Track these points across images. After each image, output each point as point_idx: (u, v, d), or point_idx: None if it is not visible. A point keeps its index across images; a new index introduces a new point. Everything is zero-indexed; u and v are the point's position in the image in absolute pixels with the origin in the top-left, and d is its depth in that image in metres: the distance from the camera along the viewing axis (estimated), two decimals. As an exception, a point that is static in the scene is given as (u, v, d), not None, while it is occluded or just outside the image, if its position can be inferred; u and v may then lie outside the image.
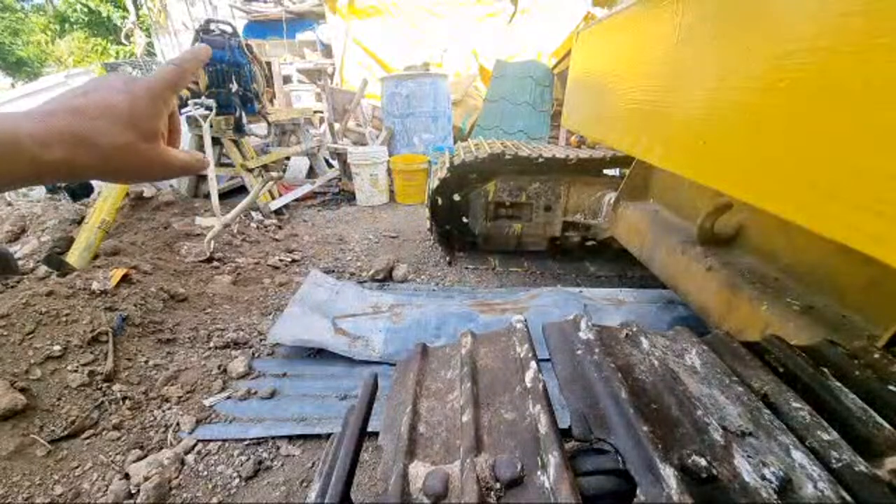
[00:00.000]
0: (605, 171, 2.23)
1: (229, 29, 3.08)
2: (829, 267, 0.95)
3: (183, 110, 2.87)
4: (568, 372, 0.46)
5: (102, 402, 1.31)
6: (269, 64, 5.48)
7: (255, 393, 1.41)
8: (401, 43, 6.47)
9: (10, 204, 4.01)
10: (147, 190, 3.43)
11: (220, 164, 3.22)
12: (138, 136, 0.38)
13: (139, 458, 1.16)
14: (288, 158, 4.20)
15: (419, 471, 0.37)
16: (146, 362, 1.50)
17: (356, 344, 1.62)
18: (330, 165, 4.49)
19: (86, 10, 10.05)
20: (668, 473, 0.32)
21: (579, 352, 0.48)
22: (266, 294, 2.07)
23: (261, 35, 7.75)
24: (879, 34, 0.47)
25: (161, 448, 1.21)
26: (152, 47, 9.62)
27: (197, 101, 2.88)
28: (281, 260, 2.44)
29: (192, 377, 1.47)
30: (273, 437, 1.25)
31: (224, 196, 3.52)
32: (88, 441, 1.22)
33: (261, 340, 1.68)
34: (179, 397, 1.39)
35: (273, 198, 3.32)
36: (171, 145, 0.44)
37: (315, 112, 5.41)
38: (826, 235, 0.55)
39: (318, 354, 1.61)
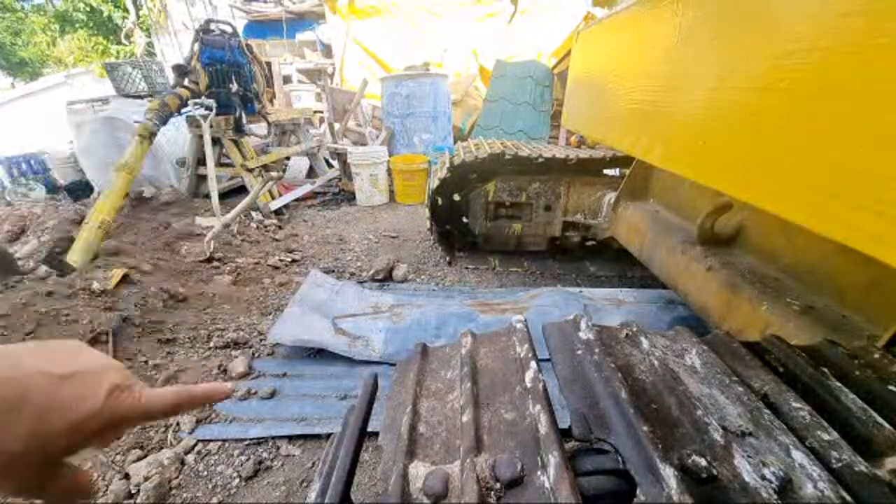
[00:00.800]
0: (605, 171, 2.23)
1: (229, 29, 3.08)
2: (829, 267, 0.95)
3: (183, 110, 2.87)
4: (568, 372, 0.46)
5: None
6: (269, 64, 5.49)
7: (255, 393, 1.41)
8: (401, 43, 6.46)
9: (10, 204, 4.02)
10: (147, 190, 3.43)
11: (220, 164, 3.22)
12: (32, 457, 0.28)
13: (139, 458, 1.16)
14: (288, 158, 4.20)
15: (419, 471, 0.37)
16: (146, 362, 1.50)
17: (356, 344, 1.62)
18: (330, 165, 4.49)
19: (87, 9, 10.05)
20: (668, 473, 0.32)
21: (579, 352, 0.48)
22: (266, 294, 2.07)
23: (261, 35, 7.75)
24: (879, 34, 0.47)
25: (161, 448, 1.21)
26: (152, 47, 9.62)
27: (197, 101, 2.88)
28: (281, 260, 2.44)
29: (192, 377, 1.47)
30: (273, 437, 1.25)
31: (224, 196, 3.52)
32: (88, 441, 1.21)
33: (261, 340, 1.68)
34: (179, 397, 1.39)
35: (273, 198, 3.32)
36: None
37: (315, 112, 5.41)
38: (826, 235, 0.55)
39: (318, 354, 1.61)
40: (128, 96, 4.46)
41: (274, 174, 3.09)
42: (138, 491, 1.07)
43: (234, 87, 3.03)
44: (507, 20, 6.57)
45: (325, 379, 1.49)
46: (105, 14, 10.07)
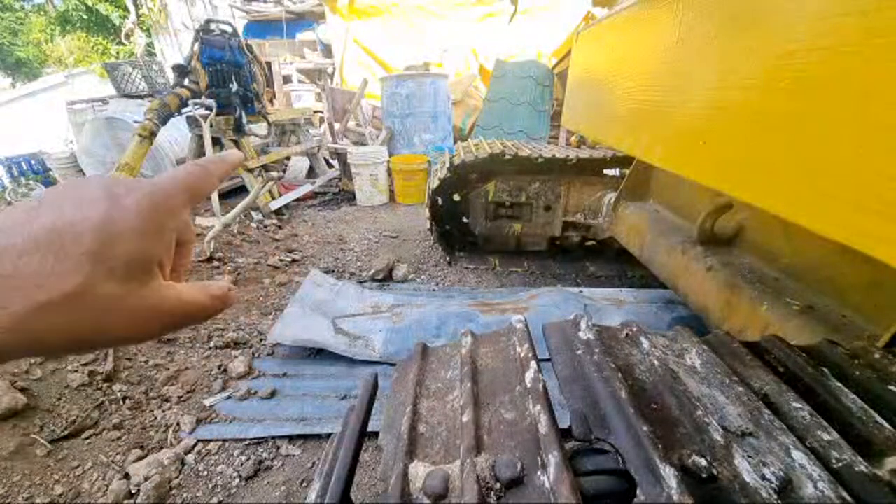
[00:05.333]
0: (606, 171, 2.23)
1: (229, 29, 3.08)
2: (829, 267, 0.95)
3: (183, 110, 2.87)
4: (568, 372, 0.46)
5: (102, 402, 1.31)
6: (269, 64, 5.49)
7: (255, 393, 1.41)
8: (401, 43, 6.46)
9: (10, 204, 4.01)
10: (147, 190, 3.43)
11: (220, 164, 3.21)
12: (106, 273, 0.22)
13: (139, 458, 1.17)
14: (288, 158, 4.20)
15: (419, 471, 0.37)
16: (146, 362, 1.50)
17: (356, 344, 1.62)
18: (330, 165, 4.49)
19: (84, 9, 10.05)
20: (668, 473, 0.32)
21: (579, 352, 0.48)
22: (266, 294, 2.07)
23: (261, 35, 7.74)
24: (879, 34, 0.47)
25: (161, 448, 1.21)
26: (152, 47, 9.63)
27: (197, 100, 2.88)
28: (281, 260, 2.44)
29: (192, 377, 1.47)
30: (273, 437, 1.25)
31: (224, 196, 3.52)
32: (88, 441, 1.22)
33: (261, 340, 1.68)
34: (179, 397, 1.39)
35: (273, 197, 3.32)
36: (175, 280, 0.28)
37: (315, 112, 5.41)
38: (826, 235, 0.55)
39: (318, 354, 1.61)
40: (128, 96, 4.47)
41: (274, 174, 3.09)
42: (138, 491, 1.07)
43: (234, 86, 3.03)
44: (507, 20, 6.57)
45: (325, 379, 1.49)
46: (104, 14, 10.07)
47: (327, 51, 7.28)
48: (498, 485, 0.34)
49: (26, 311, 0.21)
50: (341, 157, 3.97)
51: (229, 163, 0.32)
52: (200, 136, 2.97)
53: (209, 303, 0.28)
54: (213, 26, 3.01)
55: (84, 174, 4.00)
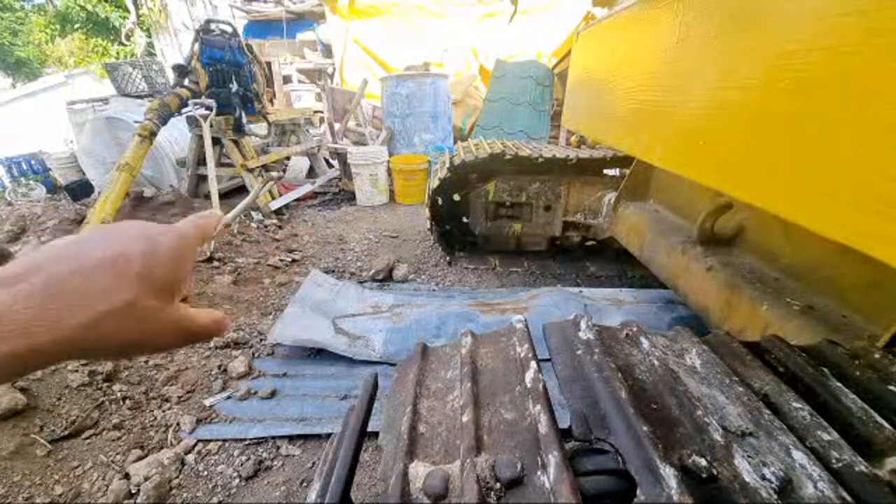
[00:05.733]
0: (606, 171, 2.23)
1: (229, 29, 3.08)
2: (829, 267, 0.95)
3: (183, 110, 2.87)
4: (568, 372, 0.46)
5: (103, 402, 1.31)
6: (269, 64, 5.49)
7: (256, 393, 1.41)
8: (401, 43, 6.46)
9: (10, 204, 4.02)
10: (147, 190, 3.44)
11: (220, 164, 3.22)
12: (148, 291, 0.29)
13: (139, 458, 1.17)
14: (288, 158, 4.20)
15: (419, 471, 0.37)
16: (146, 362, 1.50)
17: (356, 344, 1.62)
18: (330, 165, 4.49)
19: (83, 11, 10.05)
20: (669, 473, 0.32)
21: (579, 352, 0.48)
22: (266, 294, 2.07)
23: (261, 35, 7.74)
24: (879, 34, 0.47)
25: (161, 448, 1.21)
26: (152, 47, 9.62)
27: (197, 100, 2.88)
28: (281, 260, 2.44)
29: (192, 377, 1.47)
30: (273, 437, 1.25)
31: (224, 196, 3.52)
32: (89, 441, 1.22)
33: (261, 340, 1.68)
34: (179, 397, 1.39)
35: (273, 198, 3.32)
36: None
37: (315, 112, 5.41)
38: (826, 235, 0.55)
39: (319, 354, 1.61)
40: (128, 96, 4.47)
41: (274, 174, 3.09)
42: (138, 491, 1.07)
43: (235, 87, 3.03)
44: (507, 20, 6.57)
45: (325, 379, 1.49)
46: (102, 16, 10.07)
47: (327, 51, 7.28)
48: (498, 485, 0.34)
49: (88, 320, 0.26)
50: (341, 157, 3.97)
51: (219, 218, 0.41)
52: (200, 136, 2.97)
53: (212, 326, 0.35)
54: (213, 26, 3.02)
55: (84, 174, 4.00)
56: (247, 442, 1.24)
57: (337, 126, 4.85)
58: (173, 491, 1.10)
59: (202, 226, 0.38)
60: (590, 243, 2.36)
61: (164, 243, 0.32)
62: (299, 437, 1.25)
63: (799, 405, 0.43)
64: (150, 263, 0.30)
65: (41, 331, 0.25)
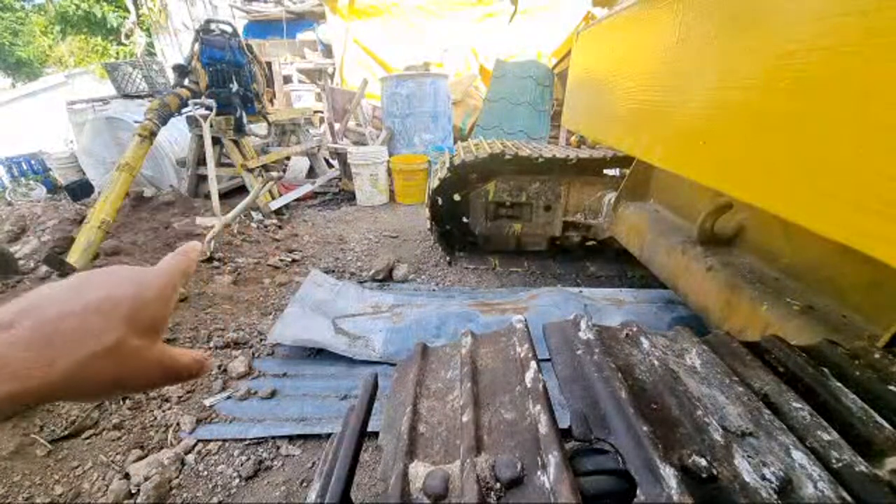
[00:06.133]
0: (606, 171, 2.23)
1: (229, 29, 3.08)
2: (829, 267, 0.94)
3: (183, 110, 2.87)
4: (568, 372, 0.46)
5: (102, 402, 1.31)
6: (269, 64, 5.49)
7: (256, 393, 1.41)
8: (401, 43, 6.46)
9: (10, 204, 4.02)
10: (147, 190, 3.44)
11: (220, 164, 3.22)
12: (134, 331, 0.31)
13: (139, 458, 1.17)
14: (288, 158, 4.20)
15: (419, 471, 0.37)
16: (146, 362, 1.50)
17: (356, 344, 1.62)
18: (330, 165, 4.49)
19: (81, 13, 10.04)
20: (669, 473, 0.32)
21: (579, 352, 0.48)
22: (266, 294, 2.07)
23: (261, 35, 7.74)
24: (879, 34, 0.47)
25: (161, 448, 1.21)
26: (152, 47, 9.62)
27: (197, 100, 2.88)
28: (281, 260, 2.44)
29: (192, 377, 1.47)
30: (273, 437, 1.25)
31: (224, 196, 3.52)
32: (89, 441, 1.22)
33: (261, 340, 1.68)
34: (179, 397, 1.39)
35: (273, 197, 3.32)
36: None
37: (315, 112, 5.41)
38: (826, 235, 0.55)
39: (319, 354, 1.61)
40: (128, 96, 4.47)
41: (274, 174, 3.09)
42: (138, 491, 1.07)
43: (235, 87, 3.03)
44: (507, 20, 6.57)
45: (325, 379, 1.49)
46: (100, 16, 10.06)
47: (327, 51, 7.28)
48: (498, 485, 0.34)
49: (79, 361, 0.27)
50: (341, 157, 3.97)
51: (197, 252, 0.42)
52: (200, 136, 2.97)
53: (193, 365, 0.36)
54: (213, 26, 3.02)
55: (84, 174, 4.00)
56: (247, 442, 1.24)
57: (337, 126, 4.85)
58: (173, 491, 1.10)
59: (183, 263, 0.38)
60: (590, 243, 2.36)
61: (150, 285, 0.33)
62: (299, 437, 1.25)
63: (799, 405, 0.43)
64: (138, 305, 0.31)
65: (35, 374, 0.26)
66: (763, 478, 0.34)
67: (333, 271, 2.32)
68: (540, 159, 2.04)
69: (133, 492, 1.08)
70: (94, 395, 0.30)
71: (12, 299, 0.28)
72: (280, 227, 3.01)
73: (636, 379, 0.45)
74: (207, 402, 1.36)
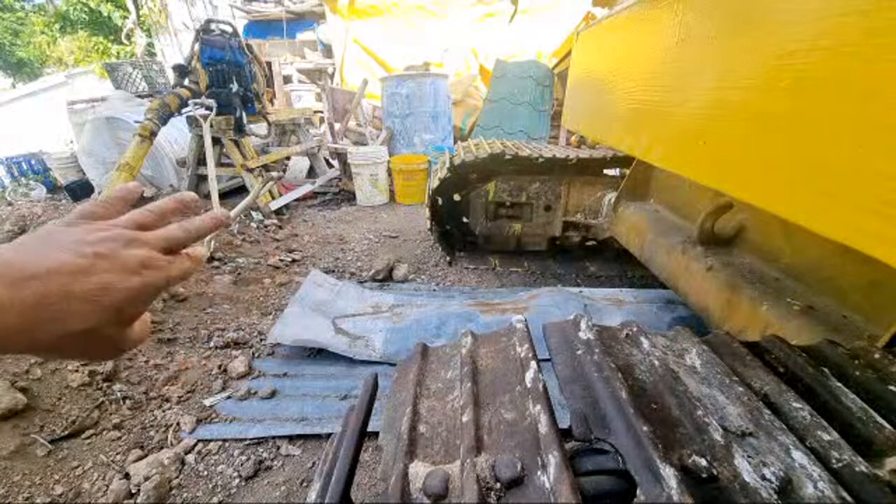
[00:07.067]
0: (606, 171, 2.23)
1: (230, 29, 3.08)
2: (830, 267, 0.94)
3: (183, 110, 2.87)
4: (568, 372, 0.46)
5: (103, 402, 1.31)
6: (269, 64, 5.49)
7: (256, 393, 1.41)
8: (401, 43, 6.46)
9: (10, 204, 4.01)
10: (147, 190, 3.43)
11: (220, 164, 3.22)
12: (115, 322, 0.33)
13: (139, 458, 1.17)
14: (288, 158, 4.20)
15: (419, 471, 0.37)
16: (146, 362, 1.50)
17: (356, 344, 1.62)
18: (330, 165, 4.49)
19: (86, 9, 10.04)
20: (669, 473, 0.32)
21: (579, 352, 0.48)
22: (266, 294, 2.07)
23: (261, 35, 7.74)
24: (879, 34, 0.47)
25: (161, 448, 1.21)
26: (153, 47, 9.62)
27: (197, 100, 2.88)
28: (281, 260, 2.44)
29: (192, 377, 1.47)
30: (273, 437, 1.25)
31: (224, 196, 3.52)
32: (89, 441, 1.22)
33: (261, 340, 1.68)
34: (180, 397, 1.39)
35: (273, 197, 3.32)
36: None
37: (315, 112, 5.41)
38: (826, 235, 0.55)
39: (319, 354, 1.61)
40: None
41: (274, 174, 3.09)
42: (138, 491, 1.07)
43: (235, 87, 3.03)
44: (507, 20, 6.57)
45: (325, 379, 1.49)
46: (105, 14, 10.06)
47: (327, 51, 7.28)
48: (498, 485, 0.34)
49: (57, 337, 0.30)
50: (341, 157, 3.97)
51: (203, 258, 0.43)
52: (200, 136, 2.97)
53: (143, 336, 0.38)
54: (213, 26, 3.01)
55: (84, 174, 4.00)
56: (247, 442, 1.24)
57: (337, 126, 4.85)
58: (173, 491, 1.10)
59: (187, 266, 0.38)
60: (590, 243, 2.36)
61: (151, 283, 0.34)
62: (299, 437, 1.25)
63: (799, 405, 0.43)
64: (132, 299, 0.33)
65: (16, 339, 0.28)
66: (763, 478, 0.34)
67: (333, 271, 2.32)
68: (540, 159, 2.04)
69: (133, 492, 1.08)
70: (46, 354, 0.33)
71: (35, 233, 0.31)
72: (280, 227, 3.01)
73: (636, 379, 0.45)
74: (207, 402, 1.36)
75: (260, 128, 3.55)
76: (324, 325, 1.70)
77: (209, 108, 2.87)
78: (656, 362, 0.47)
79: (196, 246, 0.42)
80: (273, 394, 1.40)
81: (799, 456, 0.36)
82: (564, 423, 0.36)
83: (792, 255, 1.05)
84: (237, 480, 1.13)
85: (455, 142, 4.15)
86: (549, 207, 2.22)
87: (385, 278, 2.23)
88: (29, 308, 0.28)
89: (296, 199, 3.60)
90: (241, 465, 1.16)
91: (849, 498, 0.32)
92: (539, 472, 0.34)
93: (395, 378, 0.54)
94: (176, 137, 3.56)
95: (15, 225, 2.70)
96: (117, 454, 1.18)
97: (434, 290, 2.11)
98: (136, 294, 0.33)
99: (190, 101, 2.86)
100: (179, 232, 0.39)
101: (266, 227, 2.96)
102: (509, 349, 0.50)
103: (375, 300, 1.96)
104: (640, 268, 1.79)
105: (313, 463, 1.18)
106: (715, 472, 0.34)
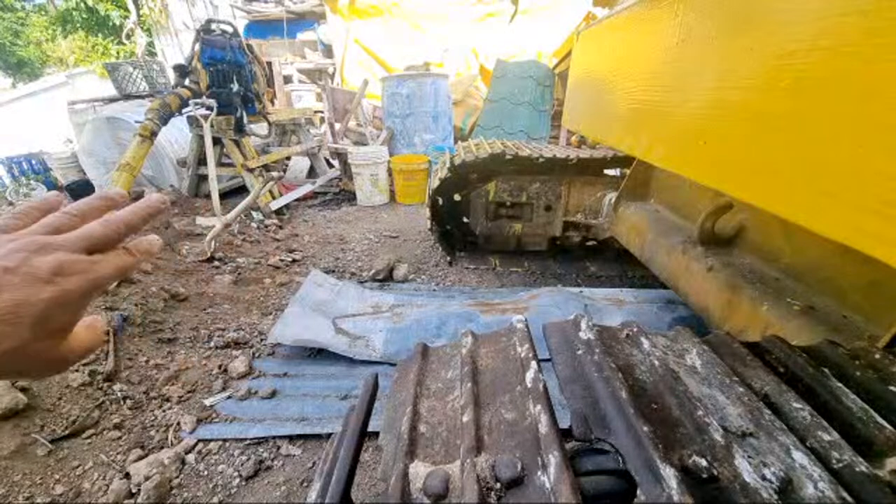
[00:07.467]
0: (606, 171, 2.23)
1: (230, 29, 3.08)
2: (830, 267, 0.94)
3: (184, 110, 2.87)
4: (568, 372, 0.46)
5: (103, 402, 1.31)
6: (269, 64, 5.49)
7: (256, 393, 1.41)
8: (401, 43, 6.46)
9: (10, 203, 4.02)
10: (148, 190, 3.44)
11: (220, 164, 3.22)
12: (42, 336, 0.30)
13: (140, 458, 1.17)
14: (288, 158, 4.21)
15: (419, 471, 0.37)
16: (147, 362, 1.50)
17: (357, 344, 1.62)
18: (330, 165, 4.49)
19: (85, 9, 10.04)
20: (669, 474, 0.32)
21: (580, 352, 0.48)
22: (266, 294, 2.07)
23: (261, 35, 7.74)
24: (879, 34, 0.47)
25: (162, 448, 1.21)
26: (153, 47, 9.62)
27: (198, 101, 2.88)
28: (281, 260, 2.44)
29: (192, 377, 1.47)
30: (273, 437, 1.25)
31: (224, 196, 3.52)
32: (89, 441, 1.22)
33: (261, 340, 1.68)
34: (180, 397, 1.39)
35: (274, 197, 3.32)
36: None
37: (315, 112, 5.41)
38: (826, 235, 0.55)
39: (319, 354, 1.61)
40: (128, 97, 4.47)
41: (274, 174, 3.09)
42: (139, 490, 1.07)
43: (235, 87, 3.03)
44: (507, 20, 6.57)
45: (325, 379, 1.49)
46: (103, 14, 10.05)
47: (328, 51, 7.28)
48: (498, 485, 0.34)
49: None
50: (342, 157, 3.97)
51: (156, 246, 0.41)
52: (201, 136, 2.97)
53: (95, 343, 0.36)
54: (213, 26, 3.02)
55: (85, 174, 4.00)
56: (247, 442, 1.24)
57: (337, 126, 4.85)
58: (173, 491, 1.10)
59: (123, 262, 0.36)
60: (590, 243, 2.36)
61: (71, 289, 0.31)
62: (300, 436, 1.25)
63: (799, 405, 0.43)
64: (52, 310, 0.30)
65: None
66: (763, 478, 0.34)
67: (334, 271, 2.32)
68: (540, 159, 2.04)
69: (133, 491, 1.08)
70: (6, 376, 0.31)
71: None
72: (280, 227, 3.01)
73: (636, 379, 0.45)
74: (208, 402, 1.37)
75: (260, 128, 3.55)
76: (324, 325, 1.70)
77: (210, 108, 2.88)
78: (656, 362, 0.47)
79: (150, 235, 0.40)
80: (273, 394, 1.40)
81: (799, 456, 0.36)
82: (564, 423, 0.36)
83: (792, 255, 1.05)
84: (237, 480, 1.13)
85: (455, 142, 4.15)
86: (549, 207, 2.22)
87: (385, 278, 2.23)
88: None
89: (296, 199, 3.60)
90: (242, 464, 1.16)
91: (849, 498, 0.32)
92: (539, 472, 0.34)
93: (395, 378, 0.54)
94: (176, 137, 3.56)
95: (15, 225, 2.70)
96: (118, 454, 1.19)
97: (434, 290, 2.11)
98: (55, 304, 0.30)
99: (190, 101, 2.86)
100: (101, 227, 0.35)
101: (266, 227, 2.96)
102: (509, 349, 0.50)
103: (376, 300, 1.96)
104: (641, 268, 1.79)
105: (313, 463, 1.18)
106: (715, 473, 0.34)
